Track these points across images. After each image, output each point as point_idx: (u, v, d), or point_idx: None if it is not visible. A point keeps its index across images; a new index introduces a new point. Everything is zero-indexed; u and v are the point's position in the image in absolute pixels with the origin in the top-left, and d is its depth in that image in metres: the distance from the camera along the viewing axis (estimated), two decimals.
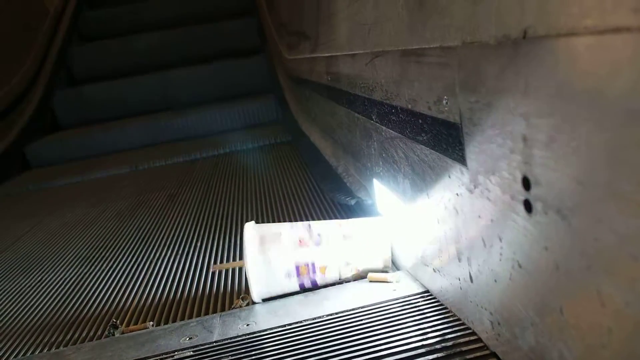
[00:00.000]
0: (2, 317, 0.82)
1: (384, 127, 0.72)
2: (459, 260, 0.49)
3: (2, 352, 0.70)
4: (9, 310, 0.84)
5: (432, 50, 0.48)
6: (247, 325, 0.60)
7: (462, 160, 0.44)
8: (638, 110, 0.23)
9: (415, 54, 0.52)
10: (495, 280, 0.42)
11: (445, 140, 0.47)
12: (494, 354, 0.45)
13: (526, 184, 0.34)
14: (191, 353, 0.55)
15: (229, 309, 0.68)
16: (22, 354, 0.68)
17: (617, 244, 0.26)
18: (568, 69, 0.28)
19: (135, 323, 0.71)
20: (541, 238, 0.33)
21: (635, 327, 0.25)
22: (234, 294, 0.76)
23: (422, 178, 0.56)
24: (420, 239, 0.61)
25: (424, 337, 0.50)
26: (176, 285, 0.83)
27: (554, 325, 0.33)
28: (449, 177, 0.48)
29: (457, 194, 0.47)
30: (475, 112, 0.40)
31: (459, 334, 0.50)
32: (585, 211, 0.28)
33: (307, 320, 0.58)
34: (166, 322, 0.70)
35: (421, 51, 0.50)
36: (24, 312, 0.82)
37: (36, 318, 0.79)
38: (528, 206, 0.34)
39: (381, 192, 0.79)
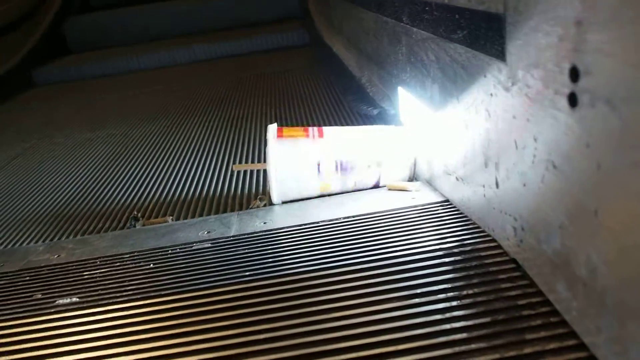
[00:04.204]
0: (33, 207, 0.84)
1: (414, 29, 0.68)
2: (486, 166, 0.47)
3: (34, 237, 0.72)
4: (39, 200, 0.87)
5: None
6: (264, 223, 0.60)
7: (501, 55, 0.41)
8: None
9: None
10: (524, 185, 0.40)
11: (484, 35, 0.44)
12: (513, 260, 0.44)
13: (574, 74, 0.31)
14: (209, 245, 0.56)
15: (247, 209, 0.69)
16: (49, 239, 0.71)
17: None
18: None
19: (156, 217, 0.72)
20: (584, 134, 0.30)
21: None
22: (251, 196, 0.76)
23: (453, 81, 0.53)
24: (444, 147, 0.59)
25: (442, 241, 0.50)
26: (195, 185, 0.84)
27: (585, 228, 0.32)
28: (484, 76, 0.45)
29: (490, 94, 0.44)
30: None
31: (478, 240, 0.49)
32: None
33: (324, 221, 0.58)
34: (185, 218, 0.71)
35: None
36: (53, 203, 0.85)
37: (62, 209, 0.81)
38: (573, 100, 0.31)
39: (406, 100, 0.75)
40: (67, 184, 0.93)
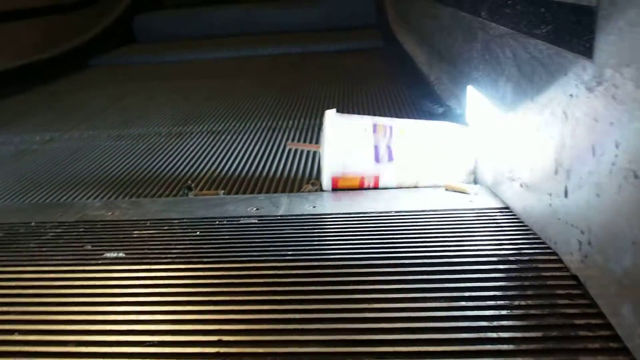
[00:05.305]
0: (93, 169, 0.87)
1: (493, 24, 0.64)
2: (556, 173, 0.44)
3: (92, 194, 0.75)
4: (99, 163, 0.90)
5: None
6: (314, 207, 0.59)
7: (588, 52, 0.37)
8: None
9: None
10: (598, 195, 0.36)
11: (571, 29, 0.40)
12: (574, 277, 0.41)
13: None
14: (256, 221, 0.55)
15: (298, 192, 0.68)
16: (106, 198, 0.73)
17: None
18: None
19: (208, 190, 0.73)
20: None
21: None
22: (304, 181, 0.76)
23: (529, 79, 0.50)
24: (511, 151, 0.56)
25: (498, 247, 0.47)
26: (250, 164, 0.84)
27: None
28: (565, 75, 0.41)
29: (570, 95, 0.40)
30: None
31: (537, 251, 0.46)
32: None
33: (375, 212, 0.56)
34: (236, 194, 0.71)
35: None
36: (111, 167, 0.88)
37: (119, 173, 0.84)
38: None
39: (474, 99, 0.72)
40: (123, 151, 0.96)
